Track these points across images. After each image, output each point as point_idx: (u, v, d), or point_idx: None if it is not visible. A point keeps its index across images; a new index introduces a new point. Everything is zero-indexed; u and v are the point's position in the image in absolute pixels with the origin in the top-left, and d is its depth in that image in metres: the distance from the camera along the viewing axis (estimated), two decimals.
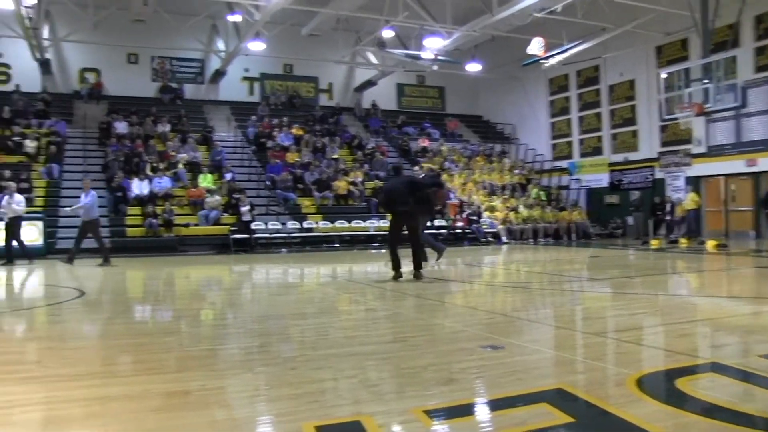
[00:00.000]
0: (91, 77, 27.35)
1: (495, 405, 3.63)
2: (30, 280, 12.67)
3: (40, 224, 18.13)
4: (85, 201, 15.17)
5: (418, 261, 10.55)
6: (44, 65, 25.87)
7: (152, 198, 20.61)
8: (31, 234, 17.73)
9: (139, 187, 20.90)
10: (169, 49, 27.74)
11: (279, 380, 4.22)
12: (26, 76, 25.65)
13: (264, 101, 29.32)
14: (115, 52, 27.06)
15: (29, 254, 15.69)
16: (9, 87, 25.46)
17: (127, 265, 15.51)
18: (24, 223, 16.45)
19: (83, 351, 5.36)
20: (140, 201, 20.52)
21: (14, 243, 15.37)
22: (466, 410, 3.56)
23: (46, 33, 24.71)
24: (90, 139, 24.34)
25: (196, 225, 20.39)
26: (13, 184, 16.26)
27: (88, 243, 15.76)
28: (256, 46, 24.31)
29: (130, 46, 27.02)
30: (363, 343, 5.50)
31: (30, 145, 22.19)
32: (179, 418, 3.47)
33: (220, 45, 27.89)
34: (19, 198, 15.46)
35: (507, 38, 25.47)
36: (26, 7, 19.19)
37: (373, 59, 29.25)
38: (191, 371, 4.50)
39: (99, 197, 20.52)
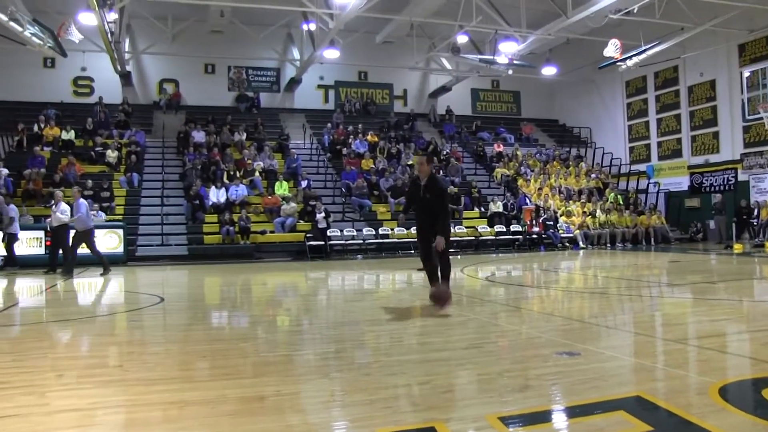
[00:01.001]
0: (169, 88, 28.23)
1: (571, 412, 3.56)
2: (111, 287, 13.05)
3: (120, 232, 18.67)
4: (80, 211, 14.83)
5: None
6: (125, 77, 26.82)
7: (229, 206, 21.06)
8: (112, 242, 18.32)
9: (216, 195, 21.39)
10: (245, 59, 28.44)
11: (353, 386, 4.24)
12: (108, 88, 26.63)
13: (339, 108, 29.62)
14: (193, 62, 27.93)
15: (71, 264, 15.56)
16: (92, 99, 26.53)
17: (205, 271, 15.88)
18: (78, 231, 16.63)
19: (162, 356, 5.49)
20: (217, 209, 21.00)
21: (62, 250, 15.48)
22: (542, 417, 3.49)
23: (127, 46, 25.65)
24: (168, 148, 25.09)
25: (272, 232, 20.73)
26: (59, 194, 16.32)
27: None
28: (331, 54, 24.56)
29: (207, 56, 27.88)
30: (437, 349, 5.46)
31: (111, 155, 23.08)
32: (254, 422, 3.51)
33: (295, 53, 28.41)
34: (64, 207, 15.51)
35: (582, 41, 25.02)
36: (108, 22, 19.93)
37: (447, 65, 29.19)
38: (267, 376, 4.56)
39: (177, 205, 21.28)
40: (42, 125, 23.79)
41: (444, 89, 31.29)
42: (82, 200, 14.99)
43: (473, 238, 22.29)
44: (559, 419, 3.54)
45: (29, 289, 12.39)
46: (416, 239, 8.80)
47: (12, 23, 17.81)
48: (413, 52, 26.87)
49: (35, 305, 10.23)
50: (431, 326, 6.91)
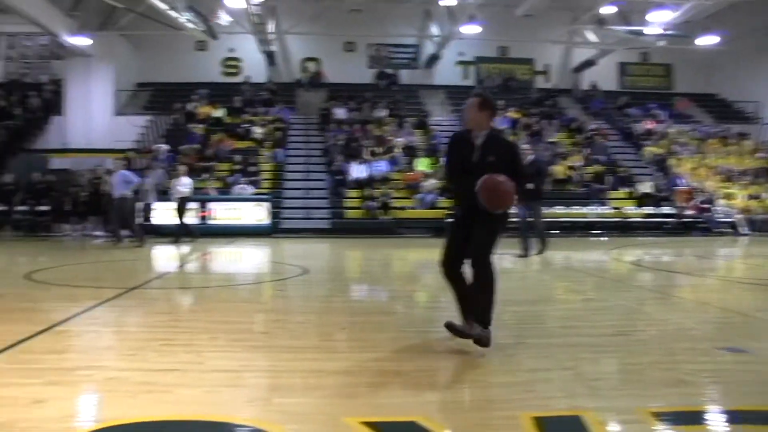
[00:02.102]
0: (311, 66, 29.11)
1: (735, 417, 3.21)
2: (257, 257, 13.80)
3: (266, 205, 19.48)
4: (119, 181, 15.08)
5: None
6: (270, 57, 28.04)
7: (370, 181, 21.38)
8: (259, 214, 19.13)
9: (357, 171, 21.76)
10: (384, 36, 28.67)
11: (494, 367, 4.15)
12: (254, 68, 28.09)
13: (479, 85, 29.23)
14: (334, 41, 28.54)
15: (193, 233, 16.40)
16: (240, 79, 27.95)
17: (346, 245, 16.23)
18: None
19: (305, 325, 5.66)
20: (359, 184, 21.37)
21: (180, 221, 16.29)
22: (698, 418, 3.22)
23: (271, 27, 26.62)
24: (311, 125, 25.82)
25: (412, 208, 20.85)
26: (182, 168, 17.43)
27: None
28: (470, 29, 24.23)
29: (347, 34, 28.36)
30: (581, 334, 5.24)
31: (258, 131, 24.13)
32: (391, 396, 3.54)
33: (434, 30, 28.20)
34: (185, 181, 16.53)
35: (749, 4, 22.86)
36: (254, 4, 20.92)
37: (592, 38, 27.95)
38: (405, 352, 4.56)
39: (320, 180, 21.91)
40: (195, 104, 25.24)
41: (589, 63, 29.97)
42: (123, 171, 15.35)
43: (619, 219, 21.38)
44: (720, 423, 3.22)
45: (181, 256, 13.17)
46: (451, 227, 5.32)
47: (170, 11, 19.15)
48: (555, 25, 26.00)
49: (189, 272, 10.89)
50: (575, 310, 6.69)
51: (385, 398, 3.50)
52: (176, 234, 16.06)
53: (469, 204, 4.77)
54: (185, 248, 14.55)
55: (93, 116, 24.57)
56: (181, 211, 16.32)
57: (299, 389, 3.65)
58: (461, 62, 30.12)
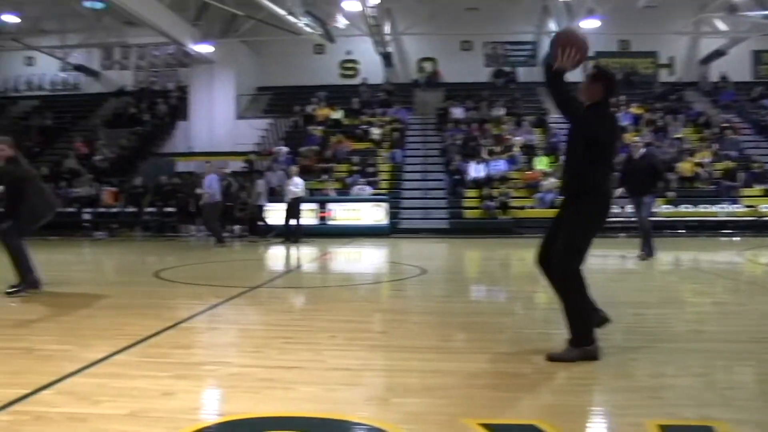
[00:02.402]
0: (428, 66, 29.20)
1: None
2: (375, 257, 13.95)
3: (385, 205, 19.65)
4: (211, 186, 15.51)
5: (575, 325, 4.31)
6: (386, 58, 28.37)
7: (488, 181, 21.18)
8: (378, 215, 19.34)
9: (476, 170, 21.60)
10: (501, 34, 28.42)
11: (618, 371, 3.99)
12: (371, 69, 28.56)
13: None
14: (450, 40, 28.55)
15: (296, 234, 16.53)
16: (357, 80, 28.54)
17: (465, 245, 16.14)
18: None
19: (423, 325, 5.64)
20: (477, 184, 21.22)
21: (293, 222, 16.59)
22: None
23: (387, 28, 27.01)
24: (428, 124, 25.89)
25: (531, 207, 20.49)
26: (294, 168, 17.81)
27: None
28: (590, 23, 23.51)
29: (463, 33, 28.24)
30: (712, 339, 4.96)
31: (375, 132, 24.44)
32: (511, 399, 3.49)
33: (552, 26, 27.58)
34: (297, 181, 16.81)
35: None
36: (371, 7, 21.29)
37: (721, 26, 26.46)
38: (524, 353, 4.48)
39: (437, 180, 21.95)
40: (314, 107, 25.92)
41: (718, 54, 28.31)
42: (212, 176, 15.75)
43: (753, 218, 20.12)
44: None
45: (301, 256, 13.53)
46: None
47: (289, 16, 19.81)
48: (680, 15, 24.75)
49: (309, 271, 11.16)
50: (704, 313, 6.35)
51: (503, 400, 3.45)
52: (294, 234, 16.46)
53: (563, 190, 4.78)
54: (305, 248, 14.93)
55: (216, 120, 25.75)
56: (292, 211, 16.68)
57: (417, 389, 3.65)
58: None
